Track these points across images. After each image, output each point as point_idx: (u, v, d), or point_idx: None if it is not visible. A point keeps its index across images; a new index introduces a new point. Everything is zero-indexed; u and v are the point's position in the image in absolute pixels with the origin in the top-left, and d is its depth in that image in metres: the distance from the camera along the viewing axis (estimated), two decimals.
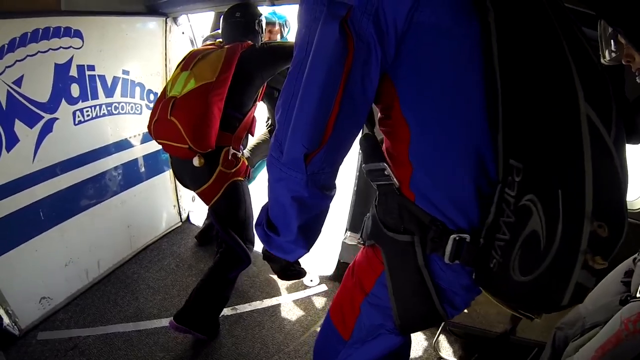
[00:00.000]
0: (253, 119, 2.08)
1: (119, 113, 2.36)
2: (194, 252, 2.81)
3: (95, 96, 2.16)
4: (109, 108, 2.28)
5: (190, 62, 1.88)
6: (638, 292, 1.26)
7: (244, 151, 2.53)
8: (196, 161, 1.82)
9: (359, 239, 1.07)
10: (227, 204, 1.99)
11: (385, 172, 0.86)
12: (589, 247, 0.64)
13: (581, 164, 0.64)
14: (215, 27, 2.56)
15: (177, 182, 2.87)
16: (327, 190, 0.85)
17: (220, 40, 2.04)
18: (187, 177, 2.04)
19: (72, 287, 2.24)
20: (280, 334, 2.18)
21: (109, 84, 2.24)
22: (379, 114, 0.90)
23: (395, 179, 0.86)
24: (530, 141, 0.70)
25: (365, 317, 0.99)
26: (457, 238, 0.81)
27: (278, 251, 0.95)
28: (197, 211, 3.20)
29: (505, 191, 0.74)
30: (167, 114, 1.77)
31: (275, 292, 2.50)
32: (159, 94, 2.54)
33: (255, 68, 1.89)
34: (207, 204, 2.03)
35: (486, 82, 0.72)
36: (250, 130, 2.08)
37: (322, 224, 0.95)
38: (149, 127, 1.91)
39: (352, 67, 0.70)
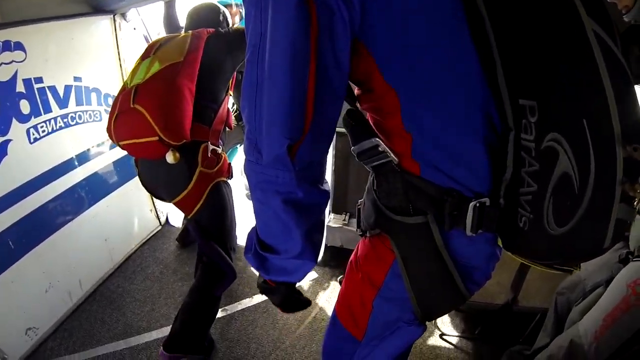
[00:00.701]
0: (228, 111, 1.91)
1: (76, 123, 2.20)
2: (177, 256, 2.75)
3: (48, 109, 2.01)
4: (65, 120, 2.12)
5: (151, 49, 1.69)
6: (638, 250, 1.25)
7: None
8: (170, 157, 1.54)
9: (357, 230, 1.00)
10: (211, 212, 1.78)
11: (380, 148, 0.77)
12: (626, 175, 0.58)
13: (599, 83, 0.58)
14: (166, 17, 2.40)
15: None
16: (321, 185, 0.77)
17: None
18: (160, 184, 1.76)
19: (56, 312, 2.16)
20: (274, 331, 2.18)
21: (61, 94, 2.08)
22: (357, 90, 0.82)
23: (392, 154, 0.78)
24: (537, 72, 0.64)
25: (379, 314, 0.92)
26: (477, 204, 0.74)
27: (278, 274, 0.84)
28: (176, 212, 3.10)
29: (522, 137, 0.68)
30: (129, 104, 1.50)
31: None
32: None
33: (224, 53, 1.71)
34: (188, 214, 1.78)
35: (470, 17, 0.65)
36: (227, 122, 1.88)
37: (324, 226, 0.86)
38: (108, 128, 1.62)
39: (319, 36, 0.62)
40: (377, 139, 0.78)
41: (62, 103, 2.09)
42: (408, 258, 0.83)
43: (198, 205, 1.73)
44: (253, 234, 0.84)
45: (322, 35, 0.62)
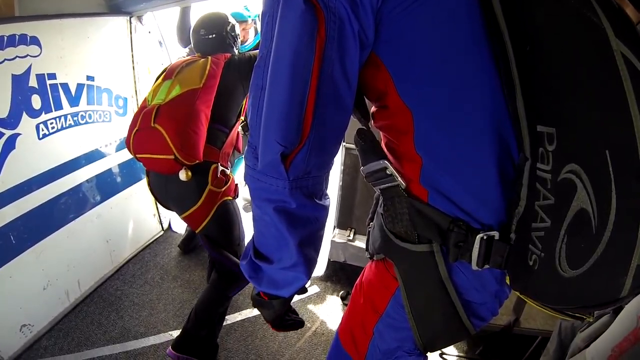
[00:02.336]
0: (238, 135, 1.98)
1: (86, 122, 2.21)
2: (178, 262, 2.71)
3: (59, 106, 2.01)
4: (75, 118, 2.13)
5: (173, 70, 1.77)
6: None
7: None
8: (183, 175, 1.65)
9: (366, 253, 0.97)
10: (219, 227, 1.84)
11: (387, 171, 0.74)
12: None
13: (626, 111, 0.51)
14: (180, 24, 2.44)
15: None
16: (318, 199, 0.73)
17: (199, 54, 1.92)
18: (170, 199, 1.85)
19: (53, 311, 2.11)
20: (274, 343, 2.13)
21: (73, 92, 2.09)
22: (373, 107, 0.79)
23: (400, 178, 0.74)
24: (557, 96, 0.59)
25: (380, 341, 0.89)
26: (485, 237, 0.69)
27: (269, 286, 0.81)
28: (179, 218, 3.07)
29: (538, 167, 0.62)
30: (150, 122, 1.62)
31: None
32: (128, 100, 2.45)
33: (237, 79, 1.81)
34: (196, 229, 1.85)
35: (491, 34, 0.62)
36: (236, 146, 1.97)
37: (321, 243, 0.83)
38: (127, 141, 1.73)
39: (326, 44, 0.60)
40: (386, 161, 0.74)
41: (74, 101, 2.10)
42: (411, 287, 0.79)
43: (205, 221, 1.79)
44: (250, 242, 0.82)
45: (330, 44, 0.60)
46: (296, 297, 0.87)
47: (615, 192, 0.52)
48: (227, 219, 1.85)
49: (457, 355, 2.06)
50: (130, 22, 2.38)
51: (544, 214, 0.62)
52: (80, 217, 2.23)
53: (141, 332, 2.13)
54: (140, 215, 2.77)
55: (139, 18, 2.43)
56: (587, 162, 0.55)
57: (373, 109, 0.79)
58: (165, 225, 3.02)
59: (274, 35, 0.62)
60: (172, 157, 1.60)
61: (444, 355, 2.04)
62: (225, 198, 1.84)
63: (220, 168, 1.81)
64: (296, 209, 0.69)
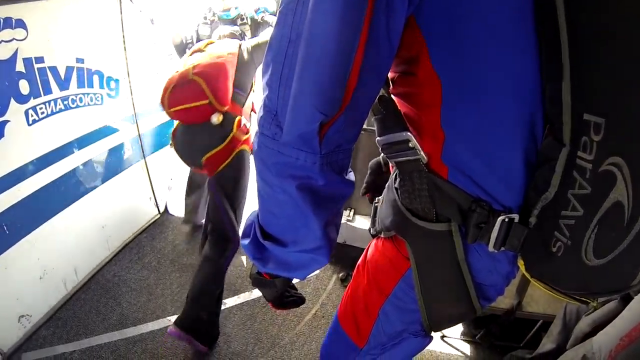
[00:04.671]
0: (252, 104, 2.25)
1: (77, 106, 2.13)
2: (175, 246, 2.70)
3: (48, 91, 1.93)
4: (65, 102, 2.05)
5: (199, 49, 2.08)
6: None
7: None
8: (215, 117, 1.91)
9: (371, 229, 0.93)
10: (232, 173, 2.03)
11: (410, 144, 0.69)
12: None
13: None
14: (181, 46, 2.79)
15: (149, 173, 2.71)
16: (346, 174, 0.68)
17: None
18: (196, 145, 2.01)
19: (50, 300, 2.11)
20: (273, 327, 2.14)
21: (62, 75, 2.00)
22: (393, 72, 0.72)
23: (422, 152, 0.69)
24: (613, 85, 0.54)
25: (385, 323, 0.87)
26: (506, 219, 0.67)
27: (279, 269, 0.74)
28: (175, 201, 3.04)
29: (579, 155, 0.58)
30: (188, 77, 1.87)
31: None
32: (120, 82, 2.38)
33: (249, 54, 2.07)
34: (213, 171, 2.03)
35: (541, 5, 0.56)
36: (252, 108, 2.24)
37: (340, 223, 0.76)
38: (162, 98, 1.94)
39: (376, 3, 0.52)
40: (409, 133, 0.70)
41: (63, 84, 2.02)
42: (424, 266, 0.77)
43: (223, 164, 2.00)
44: (255, 219, 0.75)
45: (379, 3, 0.52)
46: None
47: None
48: (241, 167, 2.07)
49: (458, 338, 2.11)
50: (120, 1, 2.26)
51: (578, 203, 0.60)
52: (74, 203, 2.19)
53: (139, 318, 2.14)
54: (135, 199, 2.73)
55: None
56: (631, 157, 0.54)
57: (393, 74, 0.72)
58: (162, 208, 2.99)
59: None
60: (207, 101, 1.86)
61: (445, 338, 2.10)
62: (244, 146, 2.07)
63: (243, 121, 2.07)
64: (323, 187, 0.63)
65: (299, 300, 0.92)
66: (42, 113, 1.92)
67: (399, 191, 0.77)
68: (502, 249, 0.70)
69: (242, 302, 2.29)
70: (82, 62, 2.11)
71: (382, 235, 0.88)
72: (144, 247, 2.66)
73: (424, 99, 0.67)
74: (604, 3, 0.52)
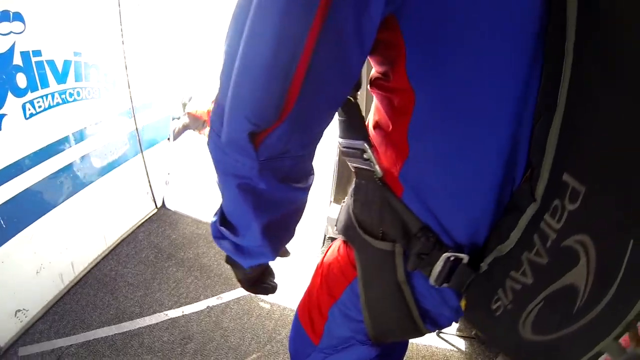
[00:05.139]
0: None
1: (74, 100, 2.11)
2: (172, 241, 2.70)
3: (45, 84, 1.91)
4: (62, 96, 2.03)
5: None
6: None
7: None
8: None
9: (334, 227, 0.91)
10: None
11: (365, 155, 0.65)
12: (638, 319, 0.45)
13: None
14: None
15: (147, 168, 2.71)
16: (295, 182, 0.59)
17: None
18: None
19: (47, 294, 2.10)
20: (270, 321, 2.15)
21: (60, 69, 1.98)
22: (375, 71, 0.65)
23: (377, 166, 0.64)
24: (607, 151, 0.46)
25: (334, 325, 0.86)
26: (452, 258, 0.62)
27: (233, 252, 0.70)
28: (172, 195, 3.04)
29: (545, 219, 0.52)
30: None
31: None
32: (118, 75, 2.35)
33: None
34: None
35: (550, 36, 0.48)
36: None
37: (298, 221, 0.70)
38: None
39: None
40: (366, 143, 0.65)
41: (61, 78, 2.00)
42: (368, 280, 0.74)
43: None
44: (221, 205, 0.71)
45: None
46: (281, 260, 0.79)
47: (619, 284, 0.45)
48: None
49: (454, 334, 2.12)
50: None
51: (530, 270, 0.55)
52: (71, 197, 2.18)
53: (136, 313, 2.14)
54: (133, 194, 2.72)
55: None
56: (602, 241, 0.46)
57: (375, 71, 0.65)
58: (159, 203, 2.98)
59: None
60: None
61: (440, 334, 2.11)
62: None
63: None
64: (265, 190, 0.56)
65: (270, 289, 0.88)
66: (40, 107, 1.91)
67: (352, 198, 0.75)
68: (445, 285, 0.66)
69: (239, 297, 2.29)
70: (80, 56, 2.09)
71: (340, 238, 0.86)
72: (140, 242, 2.65)
73: (395, 105, 0.60)
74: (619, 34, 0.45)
